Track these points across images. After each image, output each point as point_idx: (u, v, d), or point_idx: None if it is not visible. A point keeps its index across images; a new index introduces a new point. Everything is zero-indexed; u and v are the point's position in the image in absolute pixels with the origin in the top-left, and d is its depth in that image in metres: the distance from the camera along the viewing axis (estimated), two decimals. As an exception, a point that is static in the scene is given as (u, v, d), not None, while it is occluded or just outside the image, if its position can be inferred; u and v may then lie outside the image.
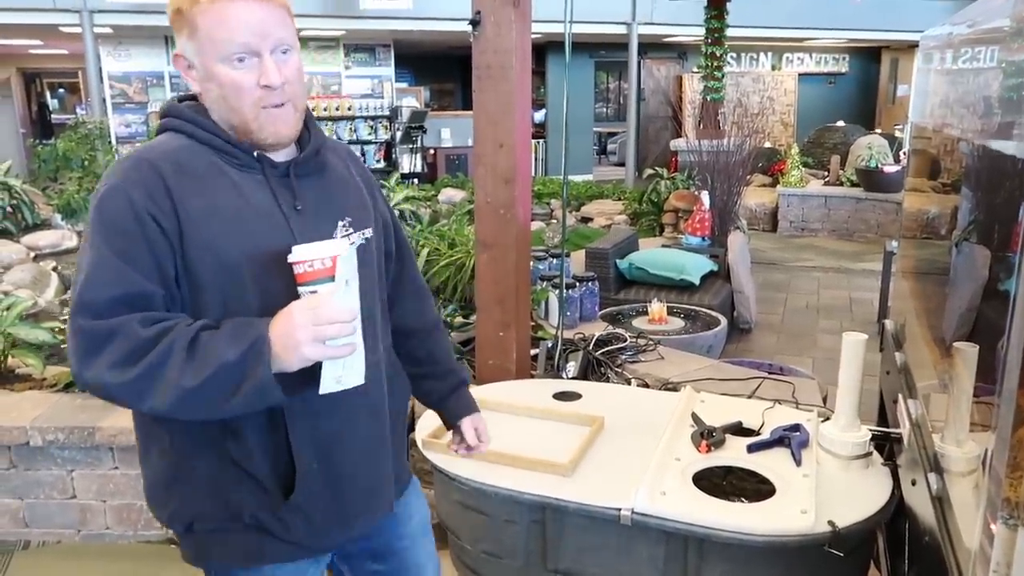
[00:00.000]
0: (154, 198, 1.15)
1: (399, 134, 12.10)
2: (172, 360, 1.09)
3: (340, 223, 1.32)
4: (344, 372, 1.15)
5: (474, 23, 2.58)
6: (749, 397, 2.64)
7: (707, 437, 2.01)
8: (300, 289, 1.13)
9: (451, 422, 1.62)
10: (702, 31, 9.91)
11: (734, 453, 1.98)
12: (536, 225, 5.88)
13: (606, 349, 3.15)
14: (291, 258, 1.13)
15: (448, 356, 1.63)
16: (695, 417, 2.14)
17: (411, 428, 2.93)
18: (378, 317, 1.40)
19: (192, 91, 1.27)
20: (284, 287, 1.15)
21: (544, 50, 13.19)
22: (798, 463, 1.90)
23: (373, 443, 1.37)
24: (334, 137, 1.50)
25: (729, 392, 2.64)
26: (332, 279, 1.11)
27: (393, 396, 1.43)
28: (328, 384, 1.13)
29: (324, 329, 1.08)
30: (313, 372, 1.12)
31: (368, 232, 1.37)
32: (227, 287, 1.19)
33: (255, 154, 1.25)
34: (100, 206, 1.16)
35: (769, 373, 3.13)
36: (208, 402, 1.10)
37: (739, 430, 2.10)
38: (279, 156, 1.28)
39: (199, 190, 1.19)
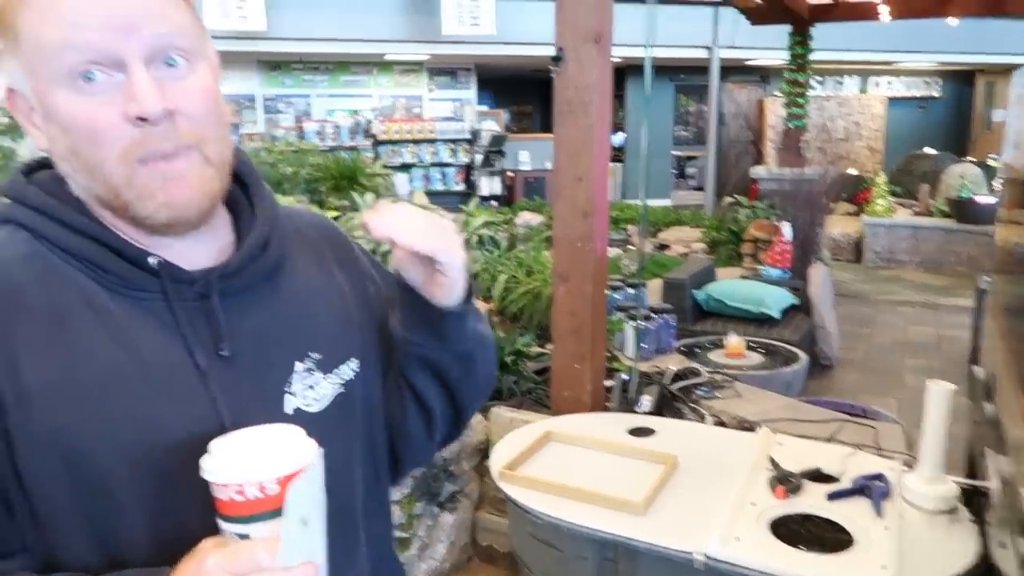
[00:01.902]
0: None
1: (479, 158, 12.29)
2: None
3: (299, 365, 0.81)
4: None
5: (556, 59, 2.63)
6: (828, 440, 2.58)
7: (785, 482, 1.99)
8: (223, 525, 0.67)
9: (419, 292, 0.87)
10: (785, 54, 9.76)
11: (812, 500, 1.95)
12: (612, 252, 5.88)
13: (682, 384, 3.13)
14: (206, 474, 0.67)
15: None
16: (772, 461, 2.11)
17: (485, 455, 2.98)
18: (358, 504, 0.88)
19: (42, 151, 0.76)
20: (194, 505, 0.70)
21: (624, 73, 13.22)
22: (879, 514, 1.86)
23: None
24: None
25: (807, 434, 2.59)
26: (276, 514, 0.66)
27: None
28: None
29: None
30: None
31: (352, 367, 0.86)
32: (96, 509, 0.71)
33: (151, 261, 0.74)
34: None
35: (850, 415, 3.05)
36: None
37: (817, 476, 2.06)
38: (194, 254, 0.78)
39: (47, 340, 0.69)
